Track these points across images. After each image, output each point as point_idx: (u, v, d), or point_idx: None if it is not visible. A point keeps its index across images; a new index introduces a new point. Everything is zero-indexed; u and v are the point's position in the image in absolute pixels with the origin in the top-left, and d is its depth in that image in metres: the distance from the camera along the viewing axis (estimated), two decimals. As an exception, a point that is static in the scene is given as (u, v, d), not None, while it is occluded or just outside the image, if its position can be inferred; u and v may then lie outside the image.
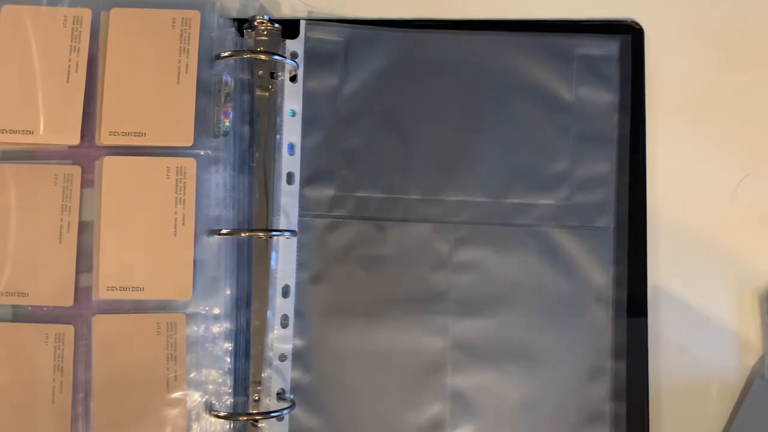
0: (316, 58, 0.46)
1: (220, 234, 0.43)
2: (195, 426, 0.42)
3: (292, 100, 0.46)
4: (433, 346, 0.45)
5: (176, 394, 0.42)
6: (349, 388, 0.45)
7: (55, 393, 0.42)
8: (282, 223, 0.45)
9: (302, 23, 0.46)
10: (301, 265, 0.46)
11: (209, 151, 0.43)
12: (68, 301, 0.42)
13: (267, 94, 0.45)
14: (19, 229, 0.42)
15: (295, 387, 0.45)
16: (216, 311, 0.43)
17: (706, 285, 0.47)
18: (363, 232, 0.46)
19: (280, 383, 0.45)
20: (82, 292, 0.42)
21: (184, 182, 0.43)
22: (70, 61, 0.43)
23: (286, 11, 0.48)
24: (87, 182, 0.43)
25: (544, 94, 0.47)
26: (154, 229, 0.42)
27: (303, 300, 0.45)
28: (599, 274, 0.46)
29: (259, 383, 0.44)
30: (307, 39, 0.46)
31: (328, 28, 0.47)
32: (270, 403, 0.44)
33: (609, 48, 0.47)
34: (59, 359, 0.42)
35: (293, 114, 0.46)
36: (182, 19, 0.44)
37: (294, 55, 0.46)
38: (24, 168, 0.43)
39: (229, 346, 0.43)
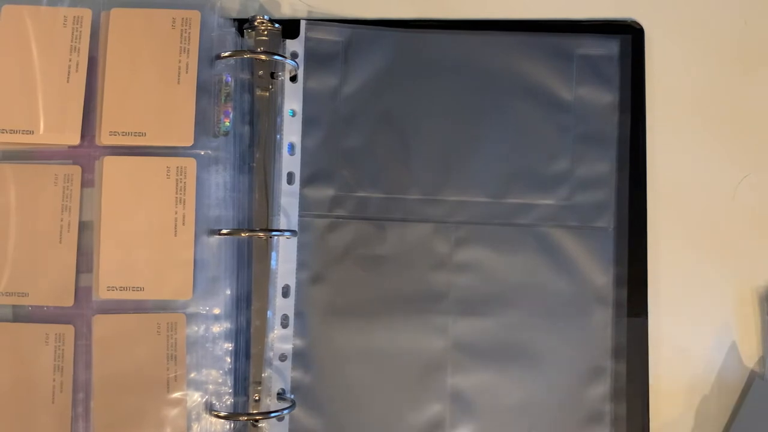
0: (316, 58, 0.46)
1: (220, 234, 0.43)
2: (195, 426, 0.42)
3: (292, 100, 0.46)
4: (433, 346, 0.46)
5: (176, 394, 0.42)
6: (349, 388, 0.45)
7: (55, 393, 0.42)
8: (282, 223, 0.45)
9: (302, 23, 0.46)
10: (301, 265, 0.46)
11: (209, 151, 0.43)
12: (68, 301, 0.42)
13: (267, 94, 0.45)
14: (19, 229, 0.42)
15: (295, 387, 0.45)
16: (216, 311, 0.43)
17: (706, 285, 0.47)
18: (363, 232, 0.46)
19: (281, 383, 0.45)
20: (82, 292, 0.42)
21: (184, 182, 0.43)
22: (70, 61, 0.43)
23: (286, 11, 0.48)
24: (87, 182, 0.43)
25: (544, 94, 0.47)
26: (154, 229, 0.42)
27: (303, 300, 0.45)
28: (599, 274, 0.46)
29: (260, 383, 0.44)
30: (307, 39, 0.46)
31: (328, 28, 0.47)
32: (270, 403, 0.44)
33: (609, 48, 0.47)
34: (59, 359, 0.42)
35: (293, 114, 0.46)
36: (182, 19, 0.44)
37: (294, 55, 0.46)
38: (24, 168, 0.43)
39: (229, 346, 0.43)
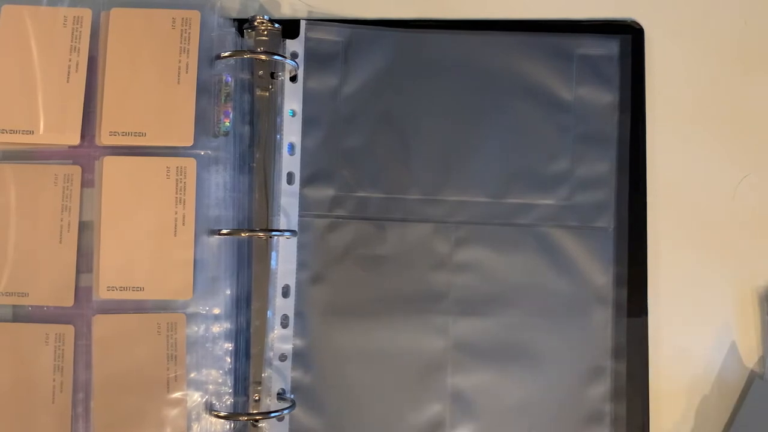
0: (316, 58, 0.46)
1: (220, 234, 0.43)
2: (195, 426, 0.42)
3: (292, 100, 0.46)
4: (434, 346, 0.46)
5: (176, 394, 0.42)
6: (349, 388, 0.45)
7: (55, 393, 0.42)
8: (282, 223, 0.45)
9: (302, 23, 0.46)
10: (301, 265, 0.46)
11: (209, 151, 0.43)
12: (68, 301, 0.42)
13: (267, 94, 0.45)
14: (19, 229, 0.42)
15: (295, 387, 0.45)
16: (216, 311, 0.43)
17: (706, 285, 0.47)
18: (363, 232, 0.46)
19: (281, 383, 0.45)
20: (82, 292, 0.42)
21: (184, 182, 0.43)
22: (70, 61, 0.43)
23: (286, 11, 0.48)
24: (87, 182, 0.43)
25: (544, 94, 0.47)
26: (154, 229, 0.42)
27: (303, 300, 0.45)
28: (599, 274, 0.46)
29: (260, 383, 0.44)
30: (307, 39, 0.46)
31: (328, 28, 0.47)
32: (270, 403, 0.44)
33: (609, 48, 0.47)
34: (59, 359, 0.42)
35: (293, 114, 0.46)
36: (182, 19, 0.44)
37: (294, 55, 0.46)
38: (24, 168, 0.43)
39: (229, 346, 0.43)
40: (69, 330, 0.42)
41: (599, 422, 0.45)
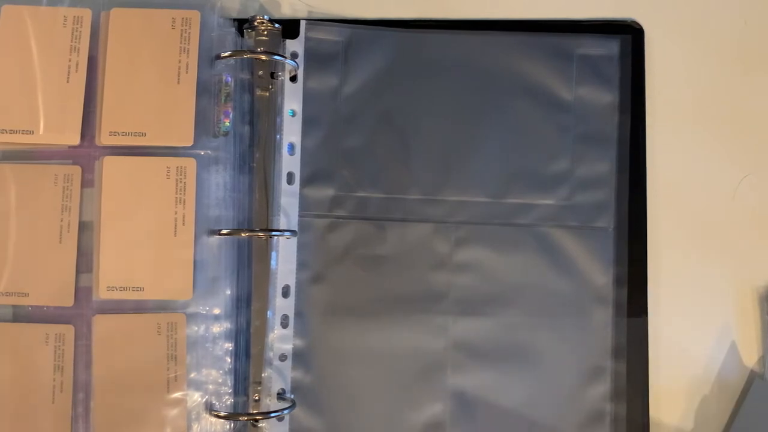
0: (316, 58, 0.46)
1: (220, 234, 0.43)
2: (195, 426, 0.42)
3: (292, 100, 0.46)
4: (433, 346, 0.46)
5: (176, 394, 0.42)
6: (349, 388, 0.45)
7: (55, 393, 0.42)
8: (282, 223, 0.45)
9: (302, 23, 0.46)
10: (301, 265, 0.46)
11: (209, 151, 0.43)
12: (68, 301, 0.42)
13: (267, 94, 0.45)
14: (19, 229, 0.42)
15: (295, 387, 0.45)
16: (216, 311, 0.43)
17: (706, 285, 0.47)
18: (363, 232, 0.46)
19: (281, 383, 0.45)
20: (82, 292, 0.42)
21: (184, 182, 0.43)
22: (70, 61, 0.43)
23: (286, 11, 0.48)
24: (87, 182, 0.43)
25: (544, 94, 0.47)
26: (154, 229, 0.42)
27: (303, 300, 0.45)
28: (599, 274, 0.46)
29: (260, 383, 0.44)
30: (307, 39, 0.46)
31: (328, 28, 0.47)
32: (270, 403, 0.44)
33: (609, 48, 0.47)
34: (59, 359, 0.42)
35: (293, 114, 0.46)
36: (182, 19, 0.44)
37: (294, 55, 0.46)
38: (24, 168, 0.43)
39: (229, 346, 0.43)
40: (69, 330, 0.42)
41: (599, 422, 0.45)
